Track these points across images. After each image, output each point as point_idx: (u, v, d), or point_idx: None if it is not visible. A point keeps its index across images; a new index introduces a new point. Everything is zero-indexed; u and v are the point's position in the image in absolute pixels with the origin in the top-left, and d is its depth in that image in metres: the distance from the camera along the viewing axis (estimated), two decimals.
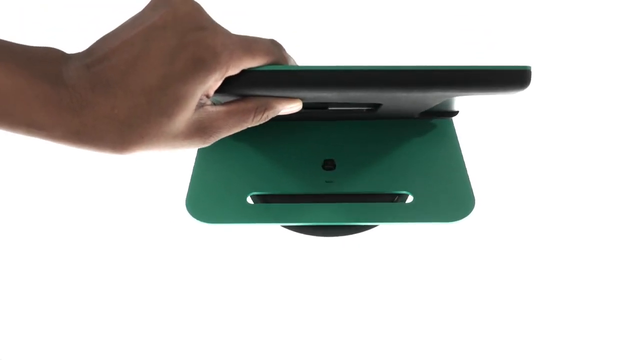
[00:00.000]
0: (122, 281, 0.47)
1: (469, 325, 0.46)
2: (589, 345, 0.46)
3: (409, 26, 0.50)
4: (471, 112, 0.45)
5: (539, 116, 0.49)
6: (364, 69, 0.32)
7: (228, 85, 0.31)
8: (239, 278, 0.47)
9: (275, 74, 0.32)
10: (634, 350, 0.45)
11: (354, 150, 0.43)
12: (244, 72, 0.31)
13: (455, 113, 0.44)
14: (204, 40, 0.28)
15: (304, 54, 0.45)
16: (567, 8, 0.50)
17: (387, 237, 0.46)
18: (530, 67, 0.32)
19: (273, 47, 0.32)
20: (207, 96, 0.31)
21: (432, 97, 0.36)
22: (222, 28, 0.30)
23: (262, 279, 0.47)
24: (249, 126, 0.34)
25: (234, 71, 0.30)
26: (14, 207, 0.49)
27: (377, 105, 0.41)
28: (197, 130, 0.31)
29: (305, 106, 0.37)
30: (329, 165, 0.42)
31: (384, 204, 0.40)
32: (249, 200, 0.41)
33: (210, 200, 0.40)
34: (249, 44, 0.30)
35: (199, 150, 0.43)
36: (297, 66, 0.34)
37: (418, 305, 0.46)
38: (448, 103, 0.42)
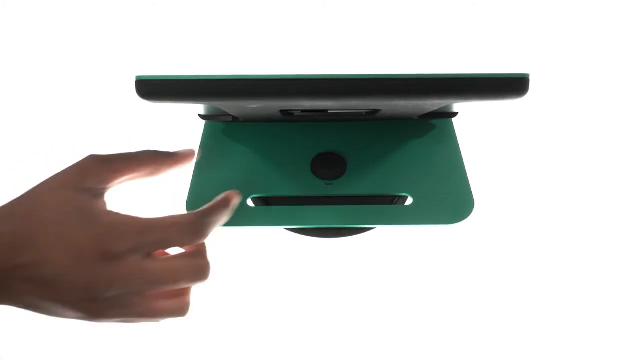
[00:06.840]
0: None
1: (468, 326, 0.46)
2: (587, 346, 0.46)
3: (407, 33, 0.50)
4: (471, 113, 0.45)
5: (540, 117, 0.49)
6: (359, 78, 0.31)
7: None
8: (240, 280, 0.47)
9: (269, 82, 0.31)
10: (633, 350, 0.46)
11: (353, 151, 0.43)
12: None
13: (455, 114, 0.44)
14: None
15: (300, 60, 0.45)
16: (567, 13, 0.50)
17: (386, 238, 0.46)
18: (528, 74, 0.32)
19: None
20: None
21: (430, 104, 0.36)
22: None
23: (262, 281, 0.47)
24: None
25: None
26: None
27: (375, 110, 0.41)
28: None
29: (304, 109, 0.37)
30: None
31: (383, 207, 0.40)
32: (250, 202, 0.41)
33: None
34: None
35: (200, 152, 0.43)
36: (287, 75, 0.32)
37: (417, 307, 0.47)
38: (447, 105, 0.42)
